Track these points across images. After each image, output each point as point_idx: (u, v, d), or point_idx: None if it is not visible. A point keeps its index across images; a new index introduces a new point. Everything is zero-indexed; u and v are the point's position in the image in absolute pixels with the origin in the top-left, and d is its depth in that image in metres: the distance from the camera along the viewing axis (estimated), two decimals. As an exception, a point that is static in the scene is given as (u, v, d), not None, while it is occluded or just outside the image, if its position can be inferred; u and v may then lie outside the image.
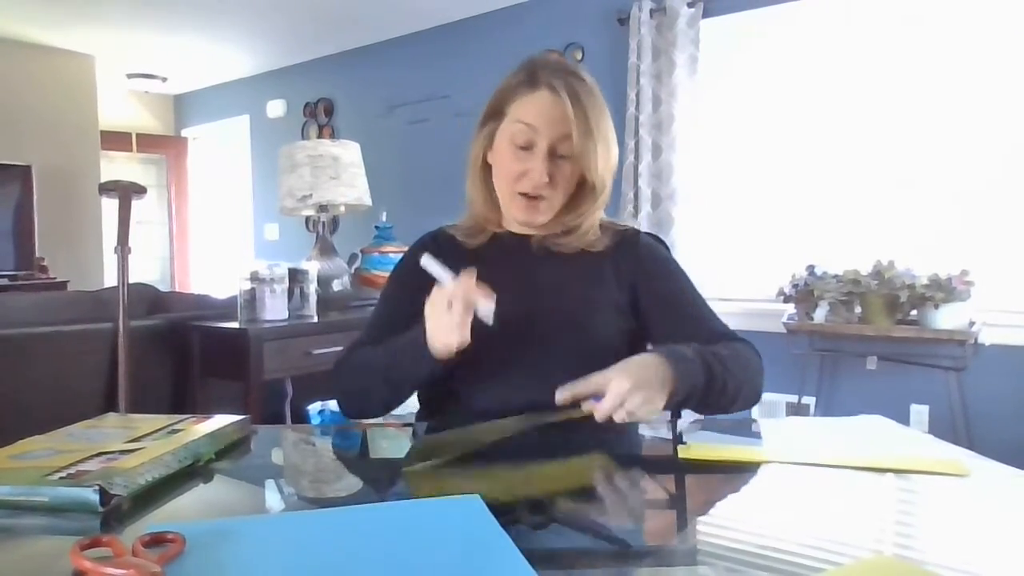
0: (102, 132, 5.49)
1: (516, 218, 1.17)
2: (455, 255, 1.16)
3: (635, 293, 1.17)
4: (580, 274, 1.17)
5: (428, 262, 1.02)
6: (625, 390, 0.92)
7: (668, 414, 1.10)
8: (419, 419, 1.21)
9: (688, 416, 1.16)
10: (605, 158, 1.13)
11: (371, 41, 5.10)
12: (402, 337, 1.08)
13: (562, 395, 0.94)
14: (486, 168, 1.19)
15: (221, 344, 2.48)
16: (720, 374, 1.03)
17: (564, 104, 1.09)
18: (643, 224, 3.55)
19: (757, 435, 1.09)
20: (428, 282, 1.12)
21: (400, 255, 3.18)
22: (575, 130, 1.09)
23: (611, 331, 1.13)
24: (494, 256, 1.19)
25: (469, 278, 0.97)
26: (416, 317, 1.11)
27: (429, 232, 1.28)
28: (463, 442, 0.91)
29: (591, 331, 1.12)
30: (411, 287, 1.14)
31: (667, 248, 1.30)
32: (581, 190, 1.16)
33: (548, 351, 1.10)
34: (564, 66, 1.14)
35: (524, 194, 1.13)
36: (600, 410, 0.93)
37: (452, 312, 0.96)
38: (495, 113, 1.16)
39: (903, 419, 3.04)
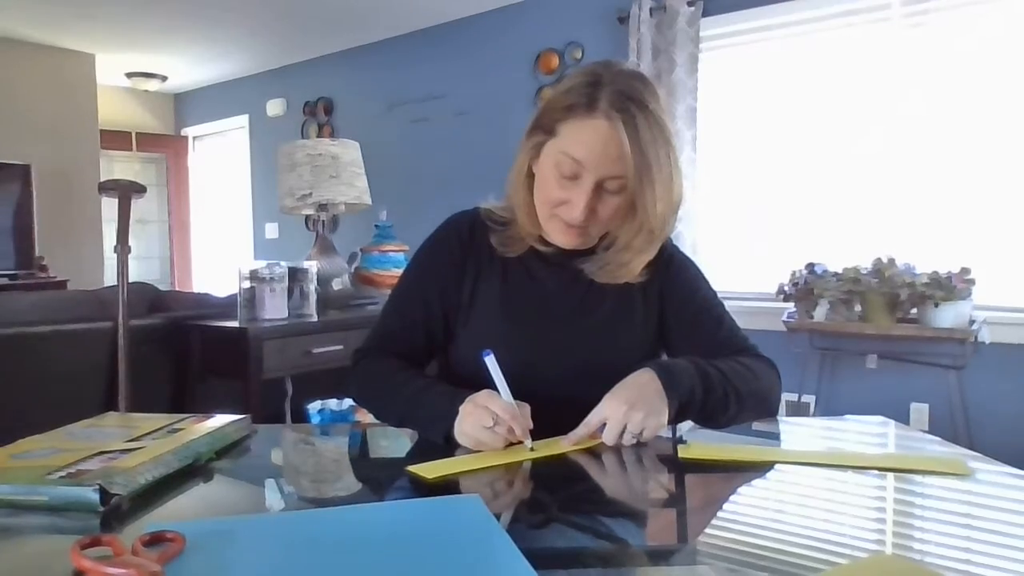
0: (102, 131, 5.49)
1: (550, 239, 1.11)
2: (488, 253, 1.14)
3: (662, 315, 1.16)
4: (609, 303, 1.13)
5: (493, 366, 0.96)
6: (622, 413, 0.93)
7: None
8: None
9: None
10: (665, 199, 1.01)
11: (371, 40, 5.10)
12: (428, 393, 1.04)
13: (568, 444, 0.94)
14: (531, 177, 1.10)
15: (221, 343, 2.48)
16: (719, 385, 1.01)
17: (620, 140, 0.97)
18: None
19: (757, 434, 1.09)
20: (455, 283, 1.13)
21: (400, 254, 3.17)
22: (630, 170, 0.98)
23: (633, 361, 1.07)
24: (526, 272, 1.15)
25: (527, 415, 0.94)
26: (441, 310, 1.13)
27: (467, 213, 1.19)
28: (469, 463, 0.90)
29: (613, 361, 1.08)
30: (437, 286, 1.14)
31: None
32: (634, 223, 1.05)
33: (568, 377, 1.08)
34: (630, 89, 0.99)
35: (561, 219, 1.05)
36: (605, 438, 0.94)
37: (495, 433, 0.92)
38: (545, 128, 1.05)
39: (903, 417, 3.05)
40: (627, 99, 0.98)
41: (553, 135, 1.04)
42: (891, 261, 2.89)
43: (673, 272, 1.17)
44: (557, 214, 1.05)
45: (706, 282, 1.20)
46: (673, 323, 1.16)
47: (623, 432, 0.94)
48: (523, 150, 1.09)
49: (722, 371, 1.03)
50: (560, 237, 1.08)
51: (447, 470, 0.85)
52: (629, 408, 0.93)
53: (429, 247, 1.19)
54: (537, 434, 0.94)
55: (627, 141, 0.97)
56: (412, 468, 0.84)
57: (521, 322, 1.12)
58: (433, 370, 1.22)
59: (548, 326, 1.11)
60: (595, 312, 1.13)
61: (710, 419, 1.03)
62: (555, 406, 0.96)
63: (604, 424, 0.95)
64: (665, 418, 0.96)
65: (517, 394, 0.96)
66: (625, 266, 1.09)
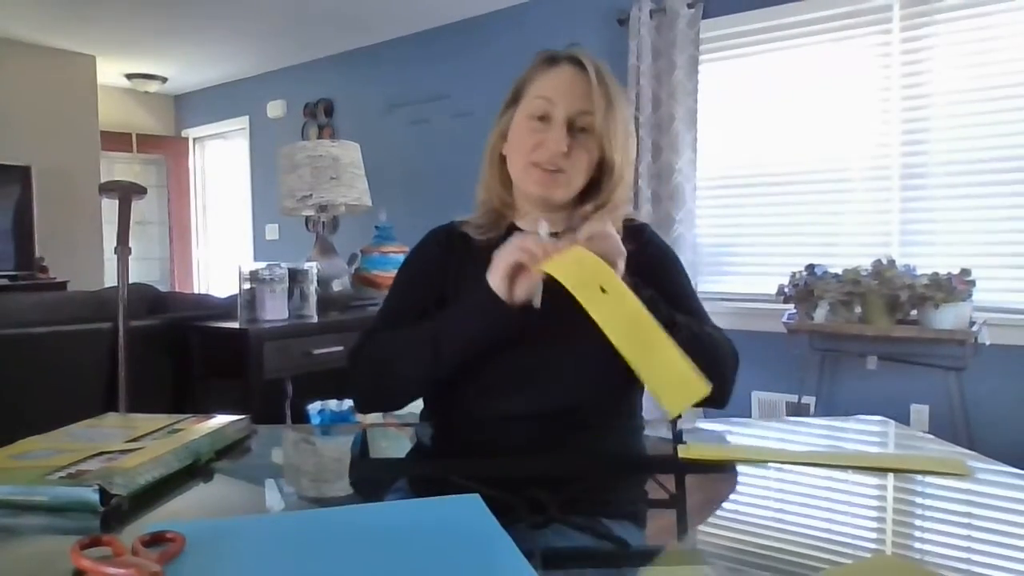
0: (102, 132, 5.49)
1: (531, 192, 1.10)
2: (467, 252, 1.14)
3: (636, 292, 1.15)
4: None
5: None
6: (603, 233, 0.95)
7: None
8: (423, 419, 1.19)
9: (690, 417, 1.14)
10: (625, 145, 1.07)
11: (371, 41, 5.10)
12: (447, 310, 1.06)
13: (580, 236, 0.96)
14: (503, 161, 1.13)
15: (221, 344, 2.48)
16: (685, 328, 1.00)
17: (588, 76, 1.05)
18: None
19: (757, 435, 1.09)
20: (440, 276, 1.13)
21: (400, 255, 3.19)
22: (597, 104, 1.03)
23: (600, 345, 1.06)
24: (489, 256, 1.12)
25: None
26: (429, 311, 1.11)
27: (442, 225, 1.21)
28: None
29: (588, 343, 1.02)
30: (423, 280, 1.14)
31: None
32: (603, 177, 1.09)
33: (546, 359, 1.06)
34: (588, 53, 1.09)
35: (539, 166, 1.06)
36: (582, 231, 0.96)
37: (522, 241, 0.95)
38: (513, 100, 1.12)
39: (903, 419, 3.04)
40: (585, 56, 1.08)
41: (520, 99, 1.10)
42: (891, 262, 2.89)
43: (648, 251, 1.14)
44: (534, 160, 1.07)
45: (682, 270, 1.20)
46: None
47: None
48: (493, 132, 1.14)
49: (690, 326, 1.03)
50: (538, 188, 1.09)
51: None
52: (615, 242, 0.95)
53: (408, 259, 1.20)
54: (533, 429, 0.94)
55: (593, 78, 1.05)
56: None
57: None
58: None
59: (530, 316, 1.08)
60: (566, 293, 1.11)
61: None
62: (532, 389, 0.99)
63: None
64: (620, 268, 0.96)
65: (506, 389, 0.99)
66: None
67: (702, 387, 0.83)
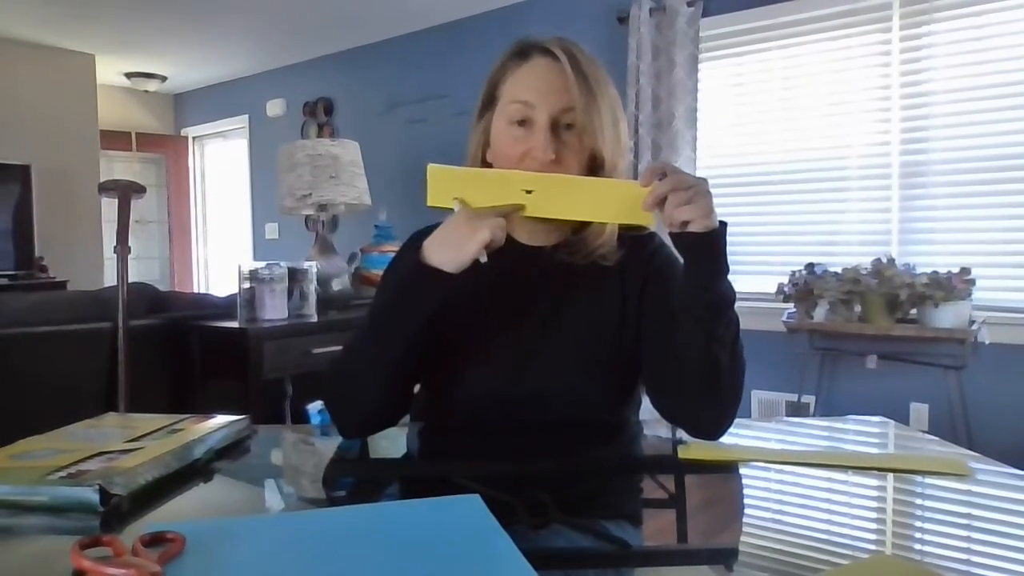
0: (101, 131, 5.49)
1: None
2: None
3: (640, 301, 1.08)
4: (583, 295, 1.06)
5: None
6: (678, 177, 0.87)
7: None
8: (413, 420, 1.18)
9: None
10: (614, 134, 1.00)
11: (371, 41, 5.10)
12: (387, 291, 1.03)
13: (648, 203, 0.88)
14: (487, 166, 1.06)
15: (221, 344, 2.48)
16: (734, 324, 0.97)
17: (562, 67, 0.98)
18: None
19: (756, 436, 1.09)
20: None
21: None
22: (577, 99, 0.97)
23: (606, 356, 1.05)
24: (496, 268, 1.05)
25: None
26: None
27: (427, 228, 1.12)
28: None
29: (585, 356, 1.04)
30: None
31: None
32: (596, 171, 1.01)
33: (542, 372, 1.04)
34: (559, 37, 1.03)
35: None
36: (644, 177, 0.88)
37: (463, 216, 0.91)
38: (488, 102, 1.06)
39: (903, 418, 3.04)
40: (557, 42, 1.02)
41: (497, 101, 1.05)
42: (891, 261, 2.89)
43: (653, 257, 1.09)
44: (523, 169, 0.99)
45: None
46: (648, 304, 1.07)
47: (665, 195, 0.86)
48: (473, 138, 1.08)
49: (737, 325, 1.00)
50: None
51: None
52: (689, 183, 0.85)
53: (394, 264, 1.14)
54: (524, 430, 0.94)
55: (569, 68, 0.98)
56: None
57: (497, 322, 1.07)
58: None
59: (518, 323, 1.06)
60: (565, 307, 1.07)
61: (708, 324, 0.98)
62: (528, 403, 0.97)
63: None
64: (713, 209, 0.87)
65: (500, 395, 0.98)
66: (584, 229, 1.05)
67: (637, 186, 0.88)
